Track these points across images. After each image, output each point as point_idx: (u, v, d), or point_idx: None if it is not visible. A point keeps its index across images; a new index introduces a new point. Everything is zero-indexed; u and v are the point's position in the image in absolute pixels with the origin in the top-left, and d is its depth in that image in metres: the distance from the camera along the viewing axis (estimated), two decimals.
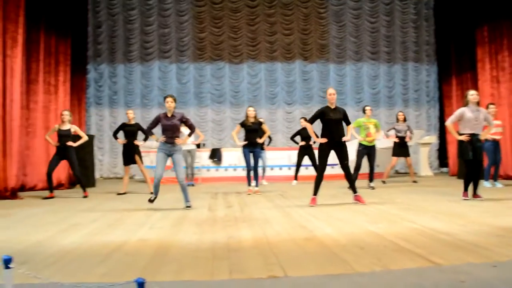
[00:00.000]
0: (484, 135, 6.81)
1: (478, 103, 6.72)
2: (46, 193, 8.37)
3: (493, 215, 5.20)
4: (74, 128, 8.41)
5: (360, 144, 9.09)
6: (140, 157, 8.87)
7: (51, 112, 10.50)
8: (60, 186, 10.19)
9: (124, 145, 8.78)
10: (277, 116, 14.99)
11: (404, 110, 15.05)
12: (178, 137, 6.48)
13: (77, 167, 8.37)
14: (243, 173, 9.01)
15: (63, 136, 8.17)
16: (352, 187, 6.65)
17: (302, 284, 2.67)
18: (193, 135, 10.68)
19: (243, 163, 8.74)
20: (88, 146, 10.35)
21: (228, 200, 7.42)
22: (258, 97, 14.99)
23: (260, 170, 9.55)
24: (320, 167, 6.55)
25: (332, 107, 6.55)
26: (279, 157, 12.06)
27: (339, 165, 6.63)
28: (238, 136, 8.68)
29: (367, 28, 15.42)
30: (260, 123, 8.63)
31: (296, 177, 10.77)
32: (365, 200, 6.58)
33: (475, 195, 6.75)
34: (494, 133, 8.59)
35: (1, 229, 4.80)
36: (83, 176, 8.72)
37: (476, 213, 5.37)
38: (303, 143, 10.52)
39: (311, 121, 6.66)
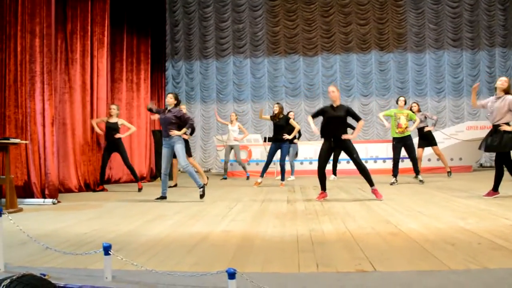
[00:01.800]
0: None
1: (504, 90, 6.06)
2: (131, 186, 8.79)
3: None
4: (122, 121, 8.75)
5: (393, 138, 8.77)
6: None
7: (134, 109, 11.05)
8: (142, 179, 10.67)
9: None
10: (354, 108, 14.64)
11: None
12: (172, 130, 6.62)
13: (127, 158, 8.65)
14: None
15: (111, 128, 8.51)
16: (368, 181, 6.40)
17: (393, 279, 2.60)
18: (237, 132, 10.91)
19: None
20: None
21: (306, 193, 7.42)
22: None
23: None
24: (319, 162, 6.48)
25: (335, 104, 6.41)
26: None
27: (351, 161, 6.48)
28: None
29: (448, 14, 14.64)
30: (287, 119, 8.76)
31: (334, 173, 10.54)
32: (381, 195, 6.33)
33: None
34: None
35: (94, 219, 5.13)
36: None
37: None
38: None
39: (313, 116, 6.63)
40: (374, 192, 6.38)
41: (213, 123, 14.93)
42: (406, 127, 8.65)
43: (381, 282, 2.60)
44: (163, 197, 6.79)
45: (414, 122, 8.95)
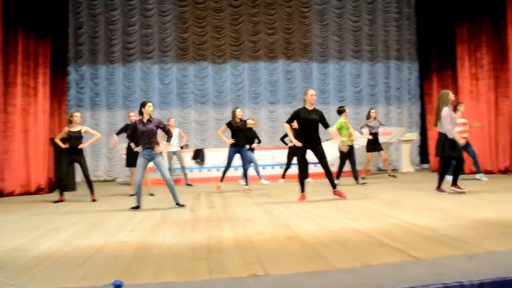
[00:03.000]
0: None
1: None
2: (26, 198, 8.24)
3: (472, 208, 5.28)
4: (85, 129, 8.34)
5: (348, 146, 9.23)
6: None
7: (30, 115, 10.29)
8: (40, 190, 10.00)
9: (129, 148, 8.80)
10: (261, 115, 14.95)
11: (386, 108, 15.27)
12: (155, 141, 6.52)
13: (88, 169, 8.32)
14: (227, 174, 9.01)
15: (74, 137, 8.07)
16: (332, 183, 6.75)
17: (283, 282, 2.66)
18: (177, 137, 10.82)
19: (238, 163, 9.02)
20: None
21: (211, 201, 7.40)
22: (241, 97, 14.95)
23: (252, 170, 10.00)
24: (300, 166, 6.74)
25: (310, 108, 6.68)
26: (263, 156, 12.04)
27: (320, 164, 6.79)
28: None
29: (350, 27, 15.49)
30: (246, 123, 8.82)
31: (284, 176, 10.90)
32: (346, 194, 6.69)
33: (456, 185, 7.02)
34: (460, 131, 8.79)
35: None
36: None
37: (455, 207, 5.45)
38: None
39: (289, 121, 6.86)
40: (337, 193, 6.72)
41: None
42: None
43: (271, 285, 2.64)
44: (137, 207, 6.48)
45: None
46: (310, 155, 6.83)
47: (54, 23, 11.53)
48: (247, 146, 10.43)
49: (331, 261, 3.06)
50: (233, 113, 8.74)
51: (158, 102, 14.48)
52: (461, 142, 6.92)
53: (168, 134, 6.74)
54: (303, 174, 6.75)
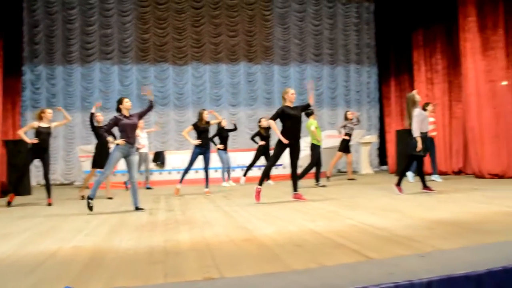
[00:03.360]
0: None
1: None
2: None
3: (426, 209, 5.43)
4: (54, 123, 8.14)
5: (316, 146, 9.36)
6: None
7: None
8: None
9: (97, 148, 8.72)
10: (222, 117, 14.90)
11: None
12: (135, 137, 6.53)
13: (50, 169, 8.06)
14: (188, 176, 8.96)
15: (45, 133, 7.79)
16: (295, 186, 6.81)
17: (237, 285, 2.65)
18: (146, 138, 10.66)
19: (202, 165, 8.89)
20: (24, 151, 9.86)
21: (170, 204, 7.31)
22: (202, 98, 14.86)
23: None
24: (272, 161, 6.89)
25: (292, 106, 6.76)
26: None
27: (290, 162, 6.86)
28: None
29: (311, 31, 15.69)
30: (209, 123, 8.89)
31: (245, 174, 10.90)
32: (305, 197, 6.77)
33: (426, 187, 7.28)
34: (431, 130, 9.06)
35: None
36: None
37: (411, 207, 5.59)
38: (263, 143, 10.70)
39: (274, 119, 6.86)
40: (297, 196, 6.79)
41: (77, 132, 14.05)
42: None
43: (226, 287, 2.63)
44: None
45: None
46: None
47: (7, 20, 11.11)
48: (221, 147, 10.51)
49: (287, 262, 3.08)
50: (200, 114, 8.80)
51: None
52: (419, 147, 7.07)
53: (151, 108, 6.83)
54: (269, 168, 6.91)
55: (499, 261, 2.83)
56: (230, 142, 14.26)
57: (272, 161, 6.93)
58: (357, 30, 15.99)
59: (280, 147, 6.73)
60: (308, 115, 9.54)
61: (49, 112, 8.01)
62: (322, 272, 2.80)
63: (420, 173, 7.46)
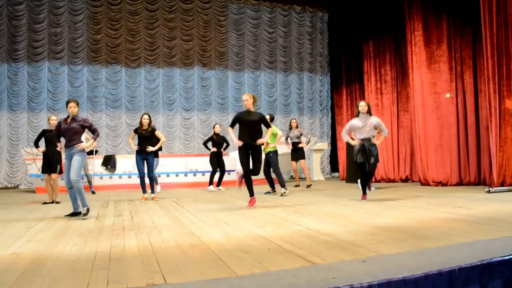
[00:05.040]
0: (378, 140, 7.38)
1: (368, 112, 7.28)
2: None
3: (372, 215, 5.58)
4: None
5: (274, 151, 9.28)
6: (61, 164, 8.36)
7: None
8: None
9: (45, 153, 8.37)
10: (175, 122, 14.81)
11: (299, 118, 15.76)
12: (77, 141, 6.24)
13: None
14: (138, 181, 8.82)
15: None
16: (251, 190, 6.86)
17: None
18: (84, 141, 10.35)
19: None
20: None
21: (119, 209, 7.16)
22: (155, 102, 14.70)
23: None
24: (244, 169, 6.80)
25: (250, 110, 6.78)
26: (176, 164, 11.90)
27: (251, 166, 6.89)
28: (134, 142, 8.62)
29: (265, 38, 15.87)
30: (153, 131, 8.54)
31: (211, 182, 10.75)
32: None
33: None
34: None
35: None
36: None
37: (358, 214, 5.73)
38: (214, 149, 10.60)
39: (232, 125, 6.93)
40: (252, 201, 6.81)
41: (22, 134, 13.51)
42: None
43: None
44: (75, 213, 6.18)
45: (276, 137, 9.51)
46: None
47: None
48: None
49: (232, 268, 3.08)
50: (140, 120, 8.62)
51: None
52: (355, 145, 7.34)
53: (94, 133, 6.46)
54: (248, 176, 6.82)
55: (435, 265, 2.95)
56: (182, 146, 14.22)
57: (244, 169, 6.84)
58: (311, 39, 16.33)
59: (240, 152, 6.80)
60: (272, 120, 9.65)
61: None
62: (266, 277, 2.82)
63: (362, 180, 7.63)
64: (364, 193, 7.41)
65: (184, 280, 2.82)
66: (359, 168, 7.49)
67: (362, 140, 7.23)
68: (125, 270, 3.13)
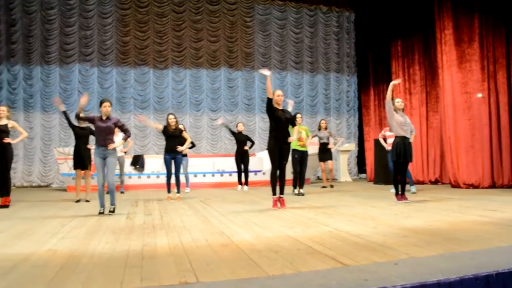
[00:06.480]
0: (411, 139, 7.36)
1: (403, 110, 7.28)
2: None
3: (402, 217, 5.51)
4: (12, 124, 7.79)
5: (294, 150, 9.07)
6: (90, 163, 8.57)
7: None
8: None
9: (77, 149, 8.60)
10: (202, 123, 14.93)
11: (326, 119, 15.62)
12: (111, 140, 6.39)
13: (10, 169, 7.80)
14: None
15: (1, 131, 7.53)
16: (282, 190, 6.84)
17: None
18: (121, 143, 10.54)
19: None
20: None
21: (149, 208, 7.26)
22: (182, 103, 14.85)
23: (182, 177, 9.56)
24: (272, 167, 6.73)
25: (279, 108, 6.73)
26: (203, 164, 11.99)
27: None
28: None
29: (292, 38, 15.85)
30: (181, 131, 8.62)
31: (240, 182, 10.88)
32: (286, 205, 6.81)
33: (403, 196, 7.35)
34: None
35: None
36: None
37: (388, 215, 5.67)
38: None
39: (268, 106, 6.71)
40: (281, 200, 6.79)
41: (54, 134, 13.84)
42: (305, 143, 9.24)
43: None
44: (102, 211, 6.33)
45: (308, 138, 9.53)
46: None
47: None
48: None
49: (263, 268, 3.09)
50: (167, 120, 8.67)
51: (97, 106, 14.02)
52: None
53: (126, 133, 6.60)
54: (274, 175, 6.73)
55: (470, 269, 2.89)
56: (209, 147, 14.32)
57: (272, 167, 6.78)
58: (337, 39, 16.22)
59: (271, 150, 6.70)
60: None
61: (2, 109, 7.76)
62: (297, 278, 2.82)
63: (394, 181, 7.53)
64: (403, 193, 7.32)
65: (215, 279, 2.84)
66: (397, 167, 7.33)
67: (404, 138, 7.19)
68: (157, 268, 3.18)
